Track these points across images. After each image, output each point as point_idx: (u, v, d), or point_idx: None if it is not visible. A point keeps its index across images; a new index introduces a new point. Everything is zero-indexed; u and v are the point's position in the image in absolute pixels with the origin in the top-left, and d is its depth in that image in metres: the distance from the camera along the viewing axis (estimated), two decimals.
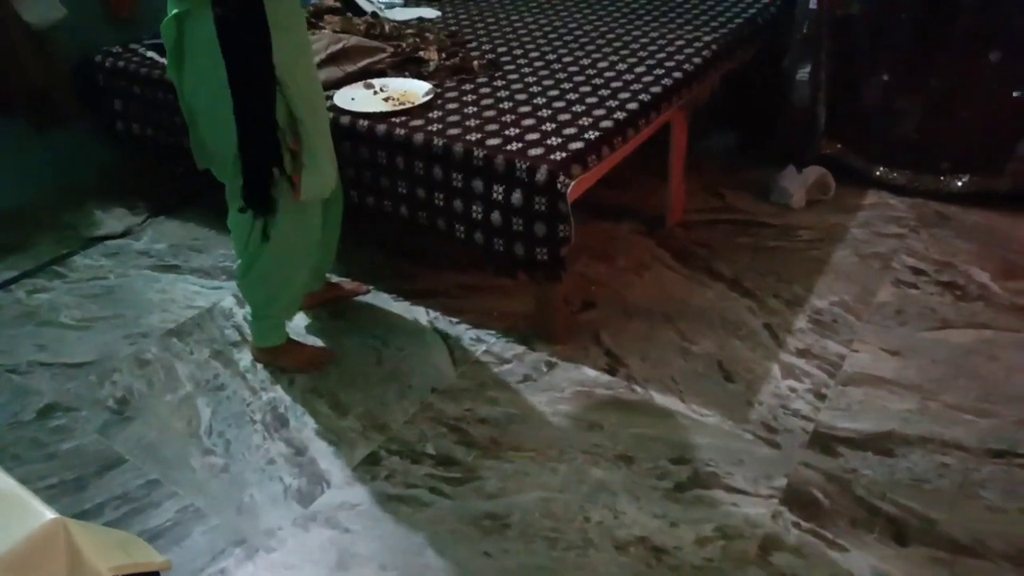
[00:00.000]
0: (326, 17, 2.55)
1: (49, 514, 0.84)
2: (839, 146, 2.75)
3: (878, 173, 2.69)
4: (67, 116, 2.65)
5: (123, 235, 2.65)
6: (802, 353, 1.97)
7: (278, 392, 1.94)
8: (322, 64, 2.23)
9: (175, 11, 1.58)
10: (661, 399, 1.85)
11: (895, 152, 2.65)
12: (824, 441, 1.71)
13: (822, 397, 1.83)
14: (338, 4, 2.72)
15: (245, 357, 2.06)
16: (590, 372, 1.94)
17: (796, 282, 2.24)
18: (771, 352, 1.98)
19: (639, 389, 1.88)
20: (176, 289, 2.36)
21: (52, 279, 2.44)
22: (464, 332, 2.11)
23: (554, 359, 1.99)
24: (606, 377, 1.92)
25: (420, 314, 2.20)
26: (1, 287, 2.41)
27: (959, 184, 2.58)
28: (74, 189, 2.79)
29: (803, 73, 2.73)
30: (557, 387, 1.90)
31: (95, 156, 2.81)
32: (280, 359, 2.01)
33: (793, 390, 1.85)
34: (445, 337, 2.10)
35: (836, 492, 1.59)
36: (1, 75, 2.47)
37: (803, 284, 2.23)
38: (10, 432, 1.85)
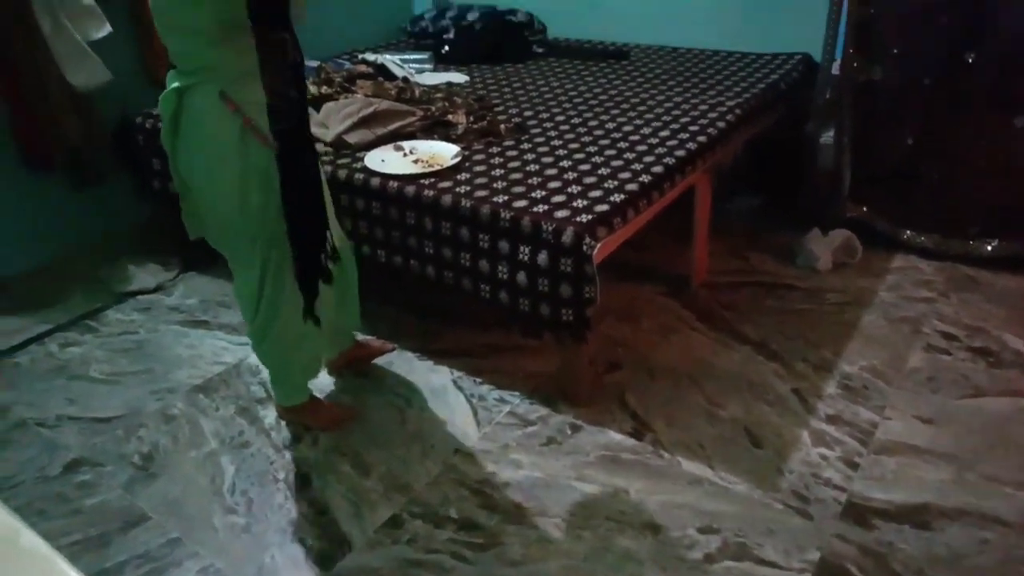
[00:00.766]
0: (358, 82, 2.63)
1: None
2: (864, 209, 2.75)
3: (905, 236, 2.68)
4: (104, 174, 2.74)
5: (155, 290, 2.71)
6: (832, 420, 1.93)
7: (302, 451, 1.93)
8: (354, 127, 2.29)
9: (176, 85, 1.62)
10: (688, 465, 1.82)
11: (922, 215, 2.65)
12: (858, 512, 1.66)
13: (855, 466, 1.78)
14: (370, 70, 2.81)
15: (270, 414, 2.06)
16: (615, 436, 1.92)
17: (824, 346, 2.21)
18: (800, 418, 1.94)
19: (666, 454, 1.85)
20: (204, 345, 2.39)
21: (84, 333, 2.49)
22: (488, 392, 2.11)
23: (579, 422, 1.97)
24: (631, 441, 1.90)
25: (444, 374, 2.19)
26: (35, 340, 2.45)
27: (988, 248, 2.56)
28: (109, 245, 2.86)
29: (827, 137, 2.76)
30: (582, 451, 1.88)
31: (131, 213, 2.89)
32: (304, 418, 2.01)
33: (824, 458, 1.81)
34: (469, 397, 2.09)
35: (872, 567, 1.53)
36: (44, 135, 2.57)
37: (831, 348, 2.20)
38: (36, 487, 1.86)
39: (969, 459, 1.78)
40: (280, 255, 1.73)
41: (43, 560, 0.87)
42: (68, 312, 2.59)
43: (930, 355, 2.16)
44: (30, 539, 0.88)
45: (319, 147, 2.28)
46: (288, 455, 1.92)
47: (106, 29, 2.56)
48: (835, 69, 2.67)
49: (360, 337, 2.26)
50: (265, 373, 2.22)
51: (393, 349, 2.29)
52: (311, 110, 2.42)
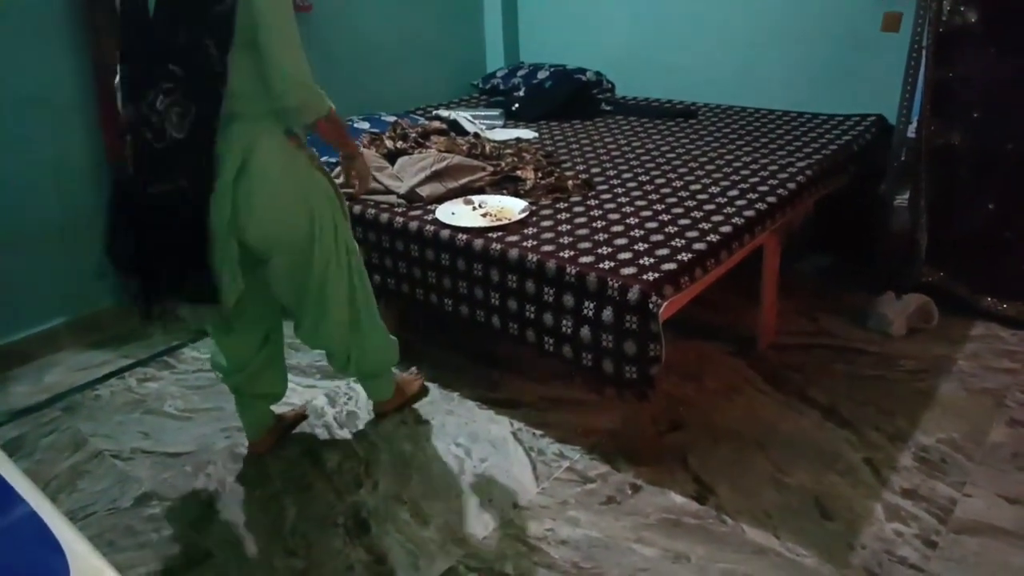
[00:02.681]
0: (432, 137, 2.72)
1: None
2: (942, 274, 2.66)
3: (986, 303, 2.58)
4: None
5: None
6: (908, 494, 1.84)
7: (362, 496, 1.95)
8: (426, 180, 2.37)
9: (243, 135, 1.62)
10: (753, 533, 1.76)
11: (1004, 283, 2.54)
12: None
13: (932, 545, 1.69)
14: (444, 126, 2.91)
15: (333, 457, 2.10)
16: (677, 498, 1.87)
17: (899, 415, 2.13)
18: (873, 490, 1.86)
19: (729, 520, 1.80)
20: None
21: (162, 369, 2.60)
22: (548, 446, 2.09)
23: (639, 481, 1.94)
24: (694, 505, 1.85)
25: (504, 425, 2.20)
26: (116, 374, 2.57)
27: None
28: None
29: (901, 199, 2.70)
30: (642, 512, 1.84)
31: None
32: (402, 398, 2.26)
33: (899, 534, 1.72)
34: (528, 450, 2.08)
35: None
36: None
37: (907, 418, 2.11)
38: (108, 518, 1.93)
39: None
40: (352, 253, 1.92)
41: None
42: (148, 348, 2.71)
43: (1014, 430, 2.05)
44: None
45: (392, 199, 2.37)
46: (348, 500, 1.94)
47: None
48: (911, 131, 2.63)
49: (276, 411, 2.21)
50: (330, 416, 2.28)
51: (306, 415, 2.28)
52: (386, 162, 2.52)
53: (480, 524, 1.83)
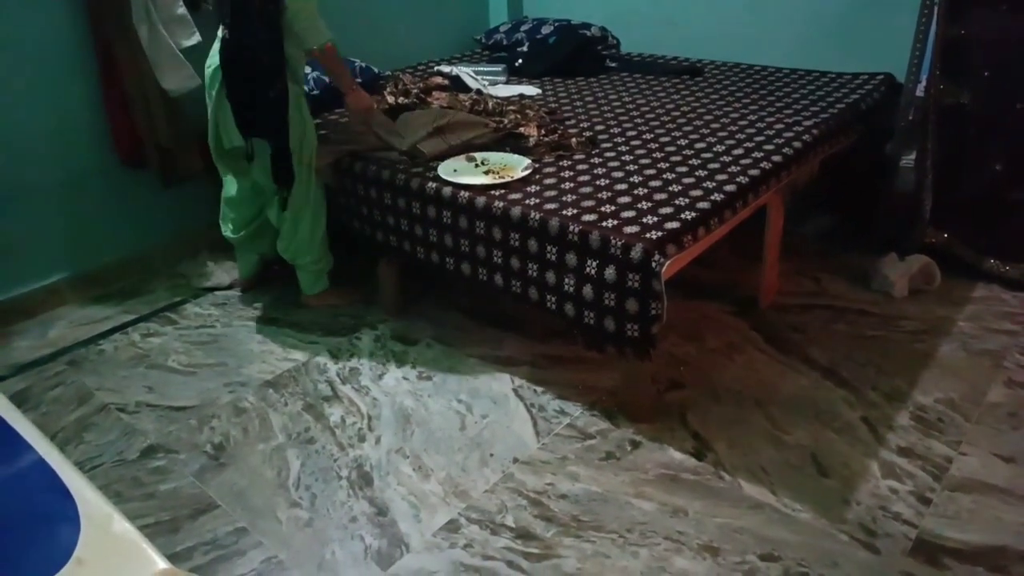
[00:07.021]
0: (434, 93, 2.69)
1: (161, 563, 0.88)
2: (945, 236, 2.65)
3: (988, 265, 2.57)
4: (191, 174, 2.86)
5: (229, 287, 2.81)
6: (904, 452, 1.87)
7: (364, 450, 1.98)
8: (428, 137, 2.34)
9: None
10: (750, 489, 1.78)
11: (1008, 244, 2.53)
12: (929, 550, 1.60)
13: (926, 501, 1.72)
14: (446, 82, 2.86)
15: (336, 412, 2.12)
16: (676, 455, 1.90)
17: (898, 375, 2.14)
18: (870, 448, 1.89)
19: (727, 476, 1.82)
20: (276, 341, 2.47)
21: (165, 325, 2.61)
22: (548, 403, 2.11)
23: (639, 438, 1.96)
24: (692, 461, 1.87)
25: (505, 382, 2.21)
26: (120, 329, 2.58)
27: None
28: (191, 241, 2.99)
29: (907, 160, 2.67)
30: (641, 467, 1.87)
31: (211, 212, 3.01)
32: (329, 300, 2.61)
33: (894, 491, 1.75)
34: (529, 407, 2.10)
35: None
36: (139, 135, 2.71)
37: (905, 378, 2.13)
38: (114, 470, 1.96)
39: None
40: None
41: (132, 545, 0.92)
42: (151, 304, 2.72)
43: (1012, 390, 2.07)
44: (121, 525, 0.94)
45: (394, 155, 2.35)
46: (351, 453, 1.97)
47: (196, 38, 2.68)
48: (919, 90, 2.59)
49: None
50: (332, 372, 2.30)
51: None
52: (387, 119, 2.49)
53: (481, 478, 1.86)
